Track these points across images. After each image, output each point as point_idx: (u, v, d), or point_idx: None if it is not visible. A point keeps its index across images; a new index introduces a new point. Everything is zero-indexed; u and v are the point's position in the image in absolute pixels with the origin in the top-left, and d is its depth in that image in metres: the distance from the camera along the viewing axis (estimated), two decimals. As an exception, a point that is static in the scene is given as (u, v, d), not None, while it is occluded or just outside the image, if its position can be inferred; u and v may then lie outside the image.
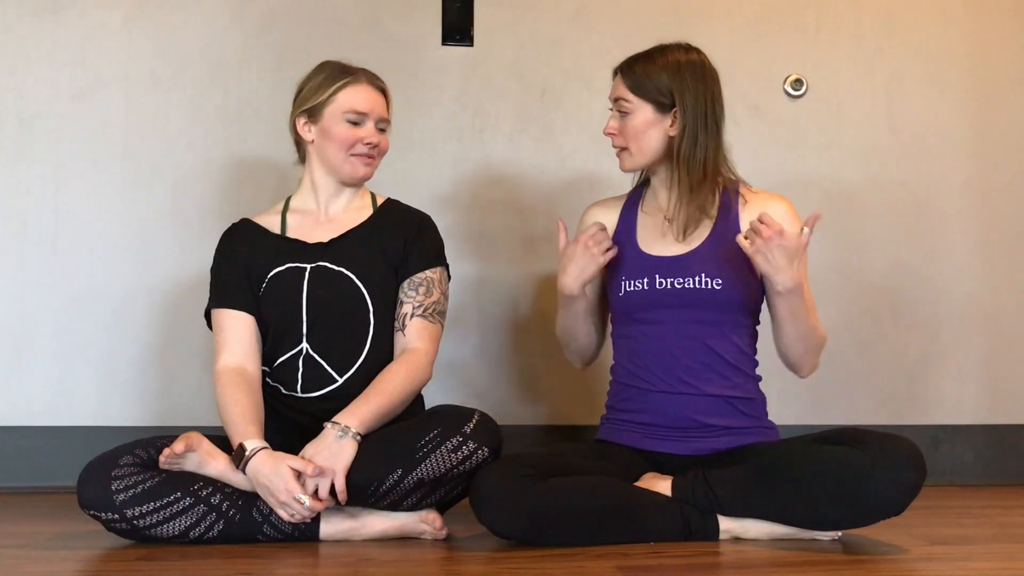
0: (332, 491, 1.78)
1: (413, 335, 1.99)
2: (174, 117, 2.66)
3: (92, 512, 1.78)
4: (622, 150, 2.08)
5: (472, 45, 2.76)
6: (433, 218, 2.15)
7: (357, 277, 2.01)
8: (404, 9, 2.74)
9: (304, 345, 1.99)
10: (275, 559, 1.68)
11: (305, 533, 1.82)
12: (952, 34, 2.91)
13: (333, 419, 1.83)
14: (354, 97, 2.03)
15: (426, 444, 1.80)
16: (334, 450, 1.79)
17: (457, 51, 2.75)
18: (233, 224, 2.12)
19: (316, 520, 1.83)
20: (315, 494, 1.77)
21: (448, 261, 2.11)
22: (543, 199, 2.77)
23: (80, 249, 2.61)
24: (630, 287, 2.03)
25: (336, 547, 1.79)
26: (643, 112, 2.04)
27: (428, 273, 2.04)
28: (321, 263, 2.02)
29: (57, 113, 2.62)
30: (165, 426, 2.58)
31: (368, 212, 2.11)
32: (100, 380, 2.60)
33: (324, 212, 2.10)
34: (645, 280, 2.02)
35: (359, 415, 1.84)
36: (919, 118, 2.89)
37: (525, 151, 2.77)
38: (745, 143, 2.83)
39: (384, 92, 2.09)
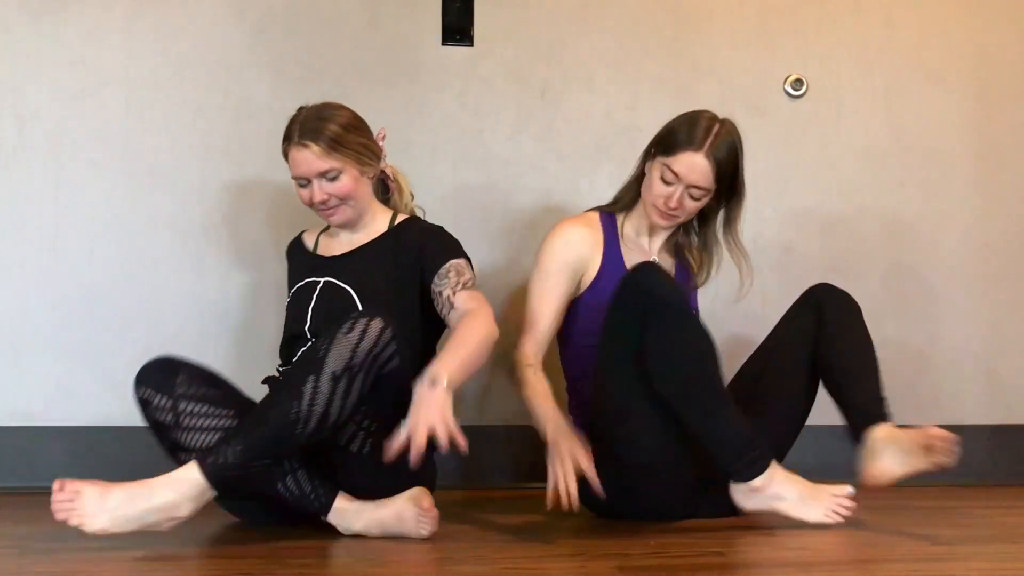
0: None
1: (465, 302, 1.99)
2: (174, 117, 2.66)
3: (145, 392, 1.90)
4: (675, 217, 2.15)
5: (472, 45, 2.76)
6: (432, 219, 2.19)
7: (355, 292, 2.05)
8: (404, 9, 2.74)
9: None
10: (275, 559, 1.68)
11: (320, 499, 1.86)
12: (952, 34, 2.91)
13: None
14: (292, 162, 2.08)
15: (323, 344, 1.77)
16: (426, 403, 1.74)
17: (457, 51, 2.75)
18: (292, 239, 2.33)
19: (333, 494, 1.87)
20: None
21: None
22: (543, 199, 2.77)
23: (80, 249, 2.61)
24: None
25: (336, 547, 1.79)
26: (711, 195, 2.15)
27: (452, 263, 2.05)
28: (328, 278, 2.09)
29: (57, 113, 2.62)
30: (165, 426, 2.58)
31: (383, 231, 2.16)
32: (100, 380, 2.59)
33: (347, 231, 2.17)
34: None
35: (445, 365, 1.78)
36: (919, 118, 2.89)
37: (525, 151, 2.77)
38: (745, 143, 2.82)
39: (313, 144, 2.02)
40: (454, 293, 2.01)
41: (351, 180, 2.06)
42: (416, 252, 2.08)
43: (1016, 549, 1.82)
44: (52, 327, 2.59)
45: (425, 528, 1.84)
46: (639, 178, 2.21)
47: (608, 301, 1.99)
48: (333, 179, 2.05)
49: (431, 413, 1.71)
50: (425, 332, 2.12)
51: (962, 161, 2.90)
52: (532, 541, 1.85)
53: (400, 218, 2.19)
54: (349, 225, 2.14)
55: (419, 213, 2.28)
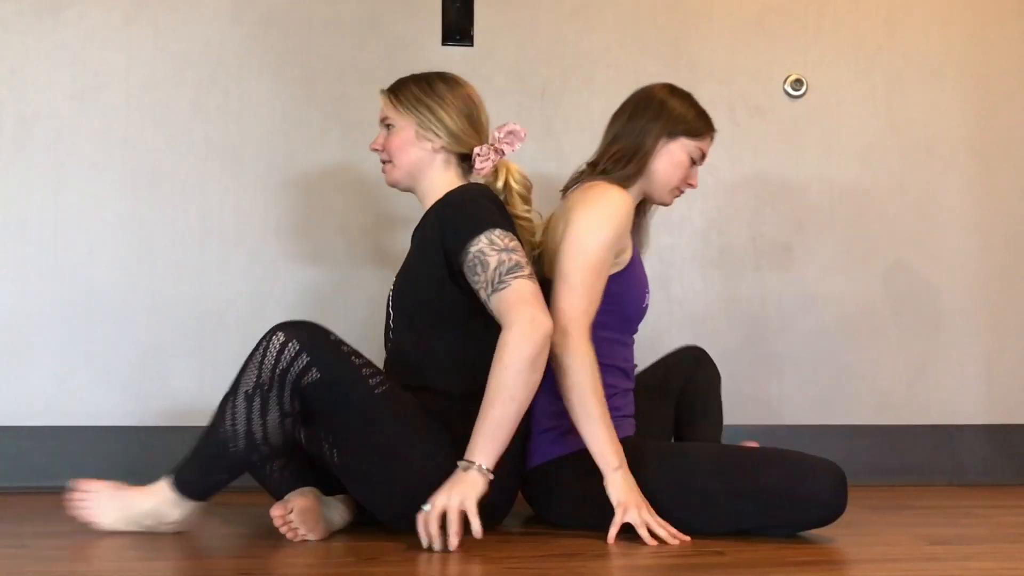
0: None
1: (501, 316, 1.80)
2: (174, 117, 2.66)
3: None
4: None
5: (472, 45, 2.76)
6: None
7: (394, 282, 2.04)
8: (404, 9, 2.74)
9: None
10: (275, 559, 1.68)
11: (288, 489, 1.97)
12: (952, 34, 2.91)
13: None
14: None
15: (240, 371, 1.79)
16: (451, 484, 1.75)
17: (457, 51, 2.75)
18: None
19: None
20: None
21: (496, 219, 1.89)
22: (543, 199, 2.76)
23: (80, 249, 2.61)
24: (646, 302, 2.09)
25: (337, 547, 1.79)
26: None
27: (471, 250, 1.84)
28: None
29: (57, 113, 2.62)
30: (166, 426, 2.58)
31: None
32: (100, 380, 2.60)
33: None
34: (647, 295, 2.11)
35: (480, 448, 1.75)
36: (919, 118, 2.90)
37: (525, 151, 2.76)
38: (745, 143, 2.84)
39: (387, 92, 2.06)
40: (488, 301, 1.83)
41: (401, 138, 2.02)
42: (440, 235, 1.90)
43: (1016, 549, 1.82)
44: (52, 327, 2.59)
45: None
46: (645, 156, 2.09)
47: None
48: (390, 131, 2.05)
49: (451, 497, 1.73)
50: (469, 320, 1.92)
51: (962, 161, 2.90)
52: (532, 541, 1.85)
53: (454, 188, 2.00)
54: (396, 186, 2.08)
55: (534, 218, 2.08)
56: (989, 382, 2.87)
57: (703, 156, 2.13)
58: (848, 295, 2.84)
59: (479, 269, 1.83)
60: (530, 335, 1.76)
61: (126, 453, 2.57)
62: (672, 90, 2.15)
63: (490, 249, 1.83)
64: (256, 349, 1.77)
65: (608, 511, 1.84)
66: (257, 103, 2.68)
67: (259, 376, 1.75)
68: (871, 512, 2.23)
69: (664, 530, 1.82)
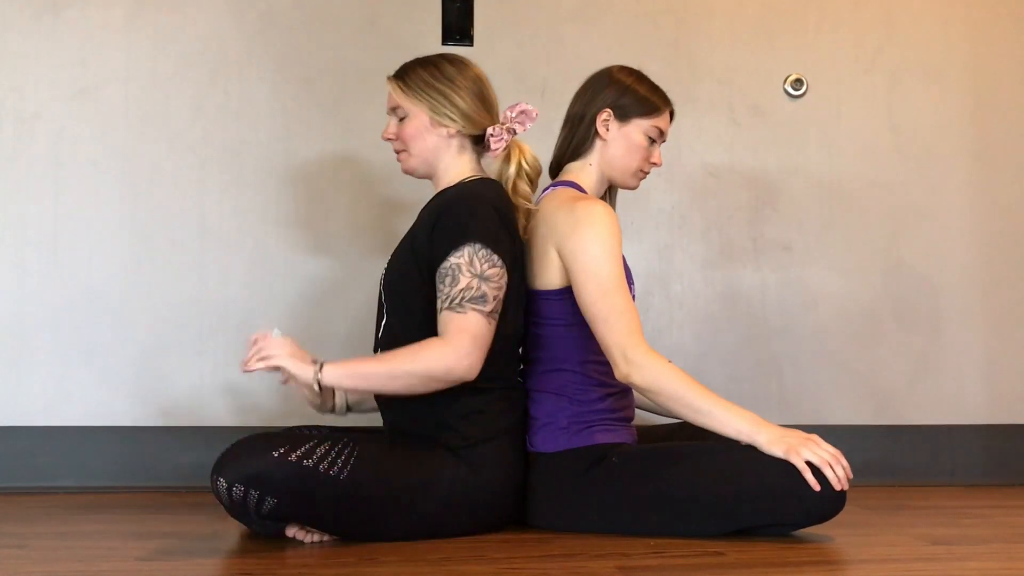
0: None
1: (442, 330, 1.83)
2: (174, 117, 2.66)
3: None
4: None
5: (472, 45, 2.76)
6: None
7: (385, 270, 2.02)
8: (404, 9, 2.74)
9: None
10: (275, 559, 1.68)
11: None
12: (952, 34, 2.91)
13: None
14: None
15: None
16: (290, 351, 1.81)
17: (457, 51, 2.75)
18: None
19: None
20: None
21: (491, 237, 1.88)
22: (543, 199, 2.77)
23: (80, 249, 2.61)
24: (632, 292, 2.07)
25: (336, 547, 1.79)
26: None
27: (452, 260, 1.85)
28: None
29: (57, 113, 2.62)
30: (165, 426, 2.58)
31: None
32: (100, 380, 2.59)
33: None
34: (632, 286, 2.08)
35: (341, 366, 1.82)
36: (919, 118, 2.89)
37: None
38: (745, 143, 2.83)
39: (394, 79, 2.03)
40: (440, 310, 1.85)
41: (414, 125, 1.99)
42: (429, 233, 1.90)
43: (1016, 549, 1.83)
44: (52, 327, 2.59)
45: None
46: (591, 124, 2.12)
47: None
48: (402, 119, 2.02)
49: (283, 359, 1.79)
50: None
51: (962, 161, 2.90)
52: (532, 541, 1.85)
53: (469, 179, 2.00)
54: (412, 175, 2.06)
55: (530, 196, 2.05)
56: (989, 382, 2.87)
57: (662, 134, 2.12)
58: (848, 295, 2.84)
59: (448, 280, 1.85)
60: (448, 363, 1.81)
61: (126, 453, 2.57)
62: (622, 68, 2.15)
63: (467, 268, 1.85)
64: (212, 490, 1.75)
65: (599, 514, 1.90)
66: (257, 103, 2.68)
67: (229, 511, 1.77)
68: (871, 512, 2.23)
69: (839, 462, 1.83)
